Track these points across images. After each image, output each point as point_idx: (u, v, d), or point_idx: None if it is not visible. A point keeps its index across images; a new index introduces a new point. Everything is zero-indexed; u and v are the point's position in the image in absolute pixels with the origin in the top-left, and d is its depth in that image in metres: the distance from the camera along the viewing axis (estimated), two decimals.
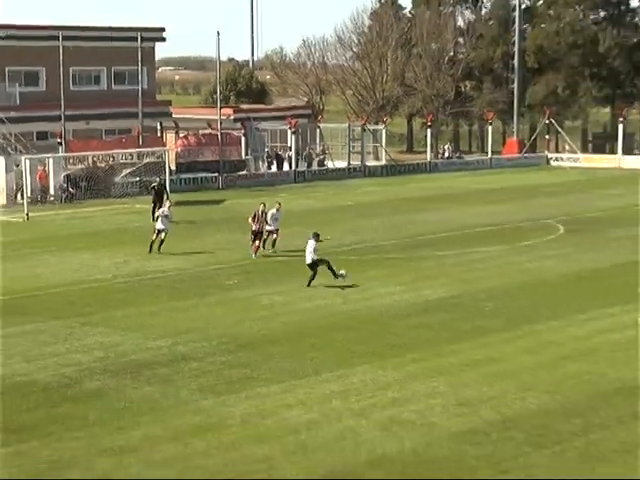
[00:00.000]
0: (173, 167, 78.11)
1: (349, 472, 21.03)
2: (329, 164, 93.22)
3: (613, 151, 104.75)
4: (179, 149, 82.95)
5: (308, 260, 40.01)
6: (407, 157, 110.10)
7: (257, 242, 46.14)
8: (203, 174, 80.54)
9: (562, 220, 58.46)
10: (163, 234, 47.25)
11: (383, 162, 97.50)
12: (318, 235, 40.47)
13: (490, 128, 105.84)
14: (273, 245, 47.97)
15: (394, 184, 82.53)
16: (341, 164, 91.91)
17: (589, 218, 60.29)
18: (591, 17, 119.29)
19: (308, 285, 39.82)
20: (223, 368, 28.90)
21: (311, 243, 40.04)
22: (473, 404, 25.43)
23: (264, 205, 46.29)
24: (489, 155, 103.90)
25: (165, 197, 58.34)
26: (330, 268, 39.92)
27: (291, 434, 23.27)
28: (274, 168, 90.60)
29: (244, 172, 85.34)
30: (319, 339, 32.13)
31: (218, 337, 32.29)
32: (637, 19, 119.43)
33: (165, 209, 48.14)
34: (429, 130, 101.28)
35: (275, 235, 47.73)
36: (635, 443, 22.66)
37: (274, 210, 47.37)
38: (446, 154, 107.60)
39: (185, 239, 50.13)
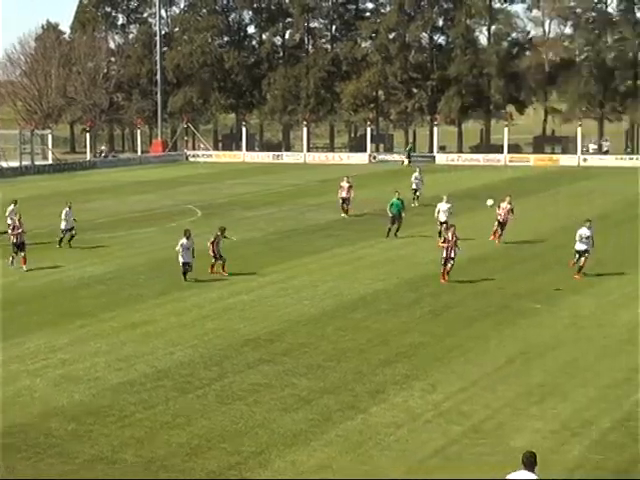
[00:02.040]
0: None
1: (27, 424, 20.28)
2: (3, 164, 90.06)
3: (239, 148, 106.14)
4: None
5: None
6: (71, 157, 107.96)
7: (22, 253, 37.81)
8: None
9: (199, 205, 58.66)
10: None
11: (50, 161, 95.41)
12: None
13: (139, 131, 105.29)
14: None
15: (60, 179, 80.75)
16: (14, 164, 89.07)
17: (221, 203, 60.78)
18: (217, 42, 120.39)
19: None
20: None
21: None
22: (130, 360, 25.08)
23: (19, 215, 39.49)
24: (139, 153, 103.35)
25: None
26: None
27: None
28: None
29: None
30: None
31: None
32: (254, 42, 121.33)
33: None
34: (88, 134, 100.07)
35: None
36: (260, 383, 22.94)
37: (67, 209, 42.65)
38: (103, 154, 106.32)
39: None
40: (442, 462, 18.42)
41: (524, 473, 14.36)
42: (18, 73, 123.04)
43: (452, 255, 33.81)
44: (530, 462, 14.46)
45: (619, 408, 21.05)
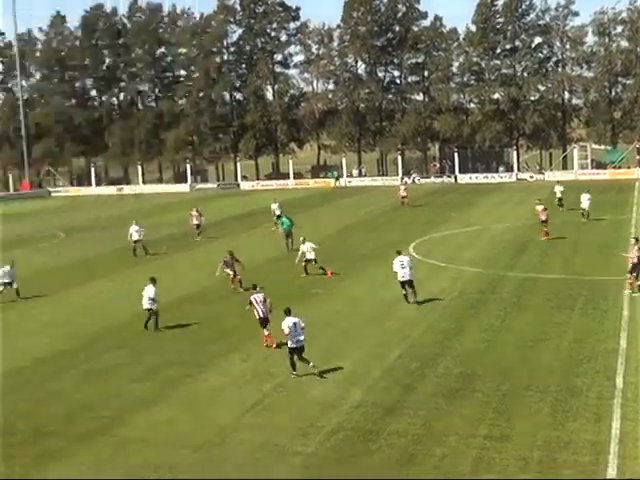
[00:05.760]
0: None
1: None
2: None
3: (90, 185, 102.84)
4: None
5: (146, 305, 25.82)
6: None
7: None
8: None
9: (62, 229, 56.45)
10: None
11: None
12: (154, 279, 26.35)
13: (10, 175, 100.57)
14: None
15: None
16: None
17: (79, 227, 58.56)
18: (67, 103, 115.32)
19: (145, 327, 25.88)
20: None
21: (150, 288, 25.89)
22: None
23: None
24: (11, 191, 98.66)
25: None
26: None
27: None
28: None
29: None
30: None
31: None
32: (95, 103, 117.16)
33: None
34: None
35: None
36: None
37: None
38: None
39: None
40: (261, 412, 18.53)
41: (290, 318, 20.25)
42: None
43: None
44: (289, 310, 20.41)
45: (385, 361, 21.62)
